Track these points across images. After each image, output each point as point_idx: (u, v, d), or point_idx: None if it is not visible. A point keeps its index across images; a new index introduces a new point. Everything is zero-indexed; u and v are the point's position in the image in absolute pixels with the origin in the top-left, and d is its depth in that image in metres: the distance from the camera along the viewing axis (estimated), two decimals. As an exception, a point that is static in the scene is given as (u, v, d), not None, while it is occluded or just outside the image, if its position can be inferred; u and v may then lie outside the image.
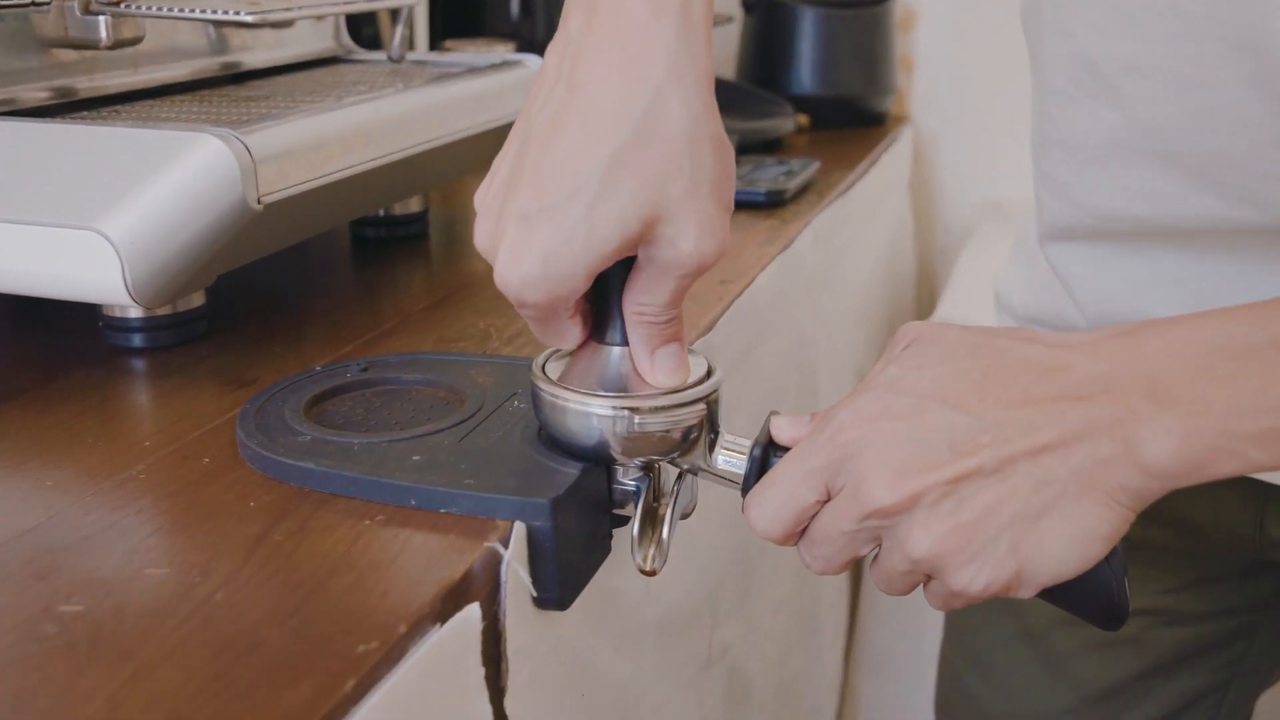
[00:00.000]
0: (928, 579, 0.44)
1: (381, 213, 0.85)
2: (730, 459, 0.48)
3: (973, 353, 0.43)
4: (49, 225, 0.53)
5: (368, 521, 0.44)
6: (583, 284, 0.42)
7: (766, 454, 0.47)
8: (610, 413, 0.45)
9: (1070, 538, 0.41)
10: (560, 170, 0.41)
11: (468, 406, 0.52)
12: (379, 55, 0.90)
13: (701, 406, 0.46)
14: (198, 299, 0.64)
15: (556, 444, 0.47)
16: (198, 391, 0.57)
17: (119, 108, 0.67)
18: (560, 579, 0.45)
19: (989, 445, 0.41)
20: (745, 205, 0.95)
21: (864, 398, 0.43)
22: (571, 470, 0.46)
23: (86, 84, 0.68)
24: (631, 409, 0.45)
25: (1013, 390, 0.41)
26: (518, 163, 0.42)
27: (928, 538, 0.41)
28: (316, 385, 0.54)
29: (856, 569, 1.23)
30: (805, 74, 1.37)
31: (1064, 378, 0.41)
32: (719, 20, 1.31)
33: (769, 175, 0.99)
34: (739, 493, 0.47)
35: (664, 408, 0.45)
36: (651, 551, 0.48)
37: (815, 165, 1.05)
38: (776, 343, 0.82)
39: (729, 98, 1.29)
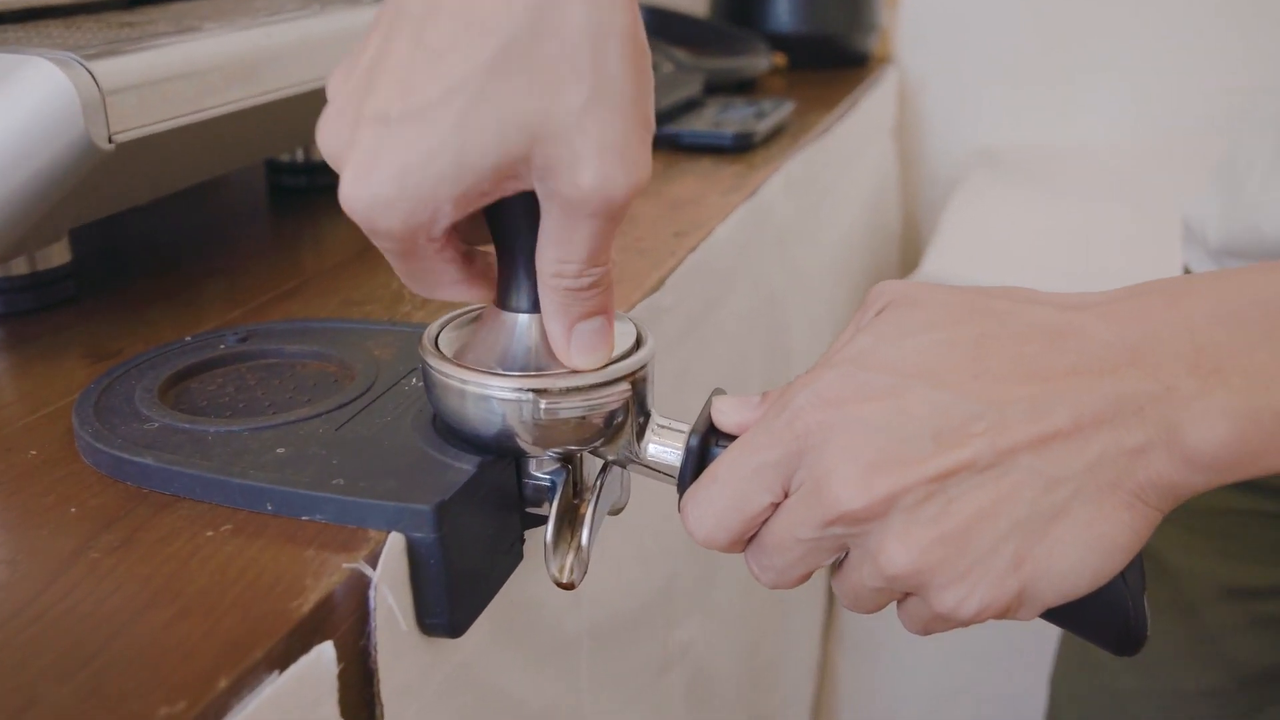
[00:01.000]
0: (905, 596, 0.36)
1: (302, 158, 0.76)
2: (663, 448, 0.39)
3: (964, 317, 0.34)
4: None
5: (211, 533, 0.36)
6: (449, 211, 0.33)
7: (706, 443, 0.38)
8: (514, 396, 0.37)
9: (1085, 549, 0.32)
10: (431, 66, 0.32)
11: (356, 385, 0.43)
12: (300, -18, 0.81)
13: (625, 387, 0.38)
14: (60, 255, 0.55)
15: (453, 433, 0.39)
16: (49, 366, 0.48)
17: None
18: (451, 600, 0.36)
19: (983, 434, 0.32)
20: (710, 149, 0.86)
21: (828, 375, 0.35)
22: (466, 466, 0.37)
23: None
24: (539, 390, 0.37)
25: (1014, 363, 0.33)
26: (383, 50, 0.33)
27: (906, 550, 0.33)
28: (181, 359, 0.46)
29: None
30: (783, 10, 1.27)
31: (1080, 346, 0.32)
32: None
33: (737, 117, 0.90)
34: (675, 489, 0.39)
35: (579, 388, 0.37)
36: (569, 560, 0.39)
37: (789, 106, 0.96)
38: (739, 302, 0.73)
39: (698, 34, 1.19)
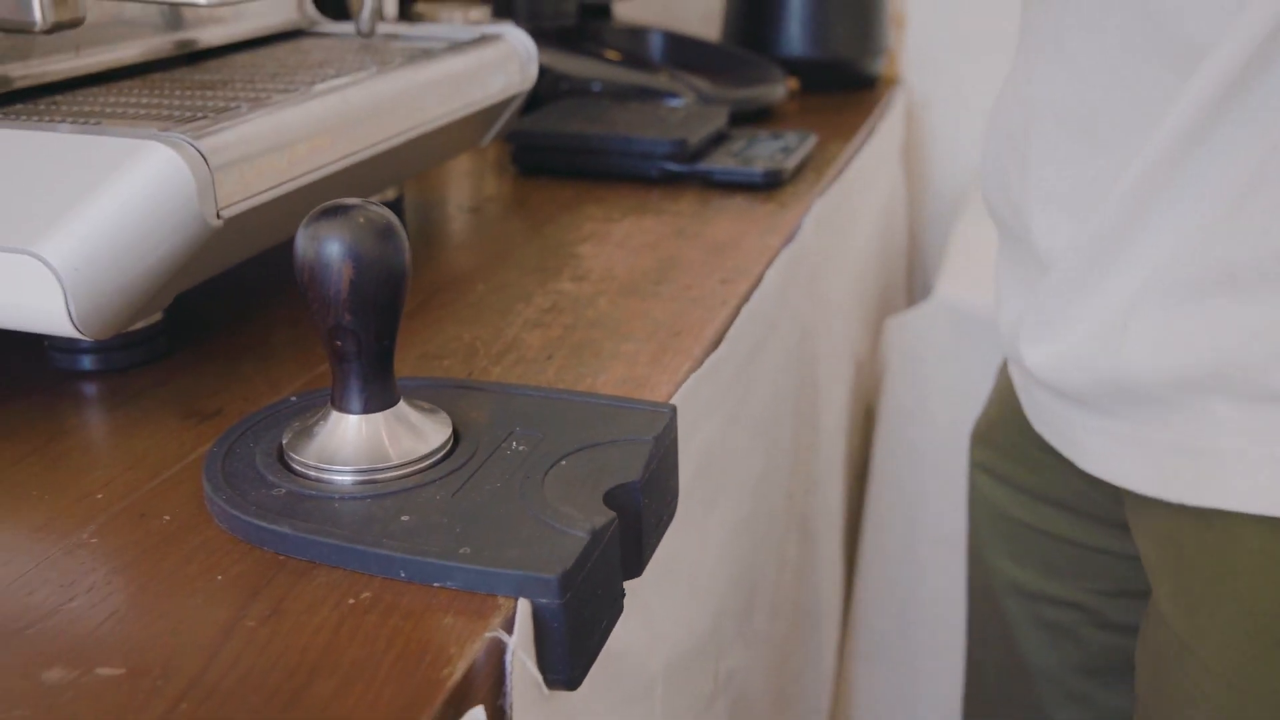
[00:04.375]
0: None
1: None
2: None
3: None
4: (-20, 248, 0.47)
5: (352, 600, 0.39)
6: None
7: None
8: None
9: None
10: None
11: (463, 449, 0.46)
12: (346, 27, 0.83)
13: None
14: (155, 315, 0.58)
15: None
16: (155, 427, 0.51)
17: (59, 99, 0.61)
18: (571, 657, 0.40)
19: None
20: (741, 186, 0.90)
21: None
22: (580, 533, 0.40)
23: (22, 71, 0.61)
24: None
25: None
26: None
27: None
28: (290, 421, 0.49)
29: (851, 553, 1.19)
30: (795, 35, 1.30)
31: None
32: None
33: (764, 152, 0.93)
34: None
35: None
36: None
37: (813, 139, 0.99)
38: (779, 342, 0.76)
39: (715, 61, 1.22)
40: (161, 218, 0.47)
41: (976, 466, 0.81)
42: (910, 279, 1.51)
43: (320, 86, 0.61)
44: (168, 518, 0.44)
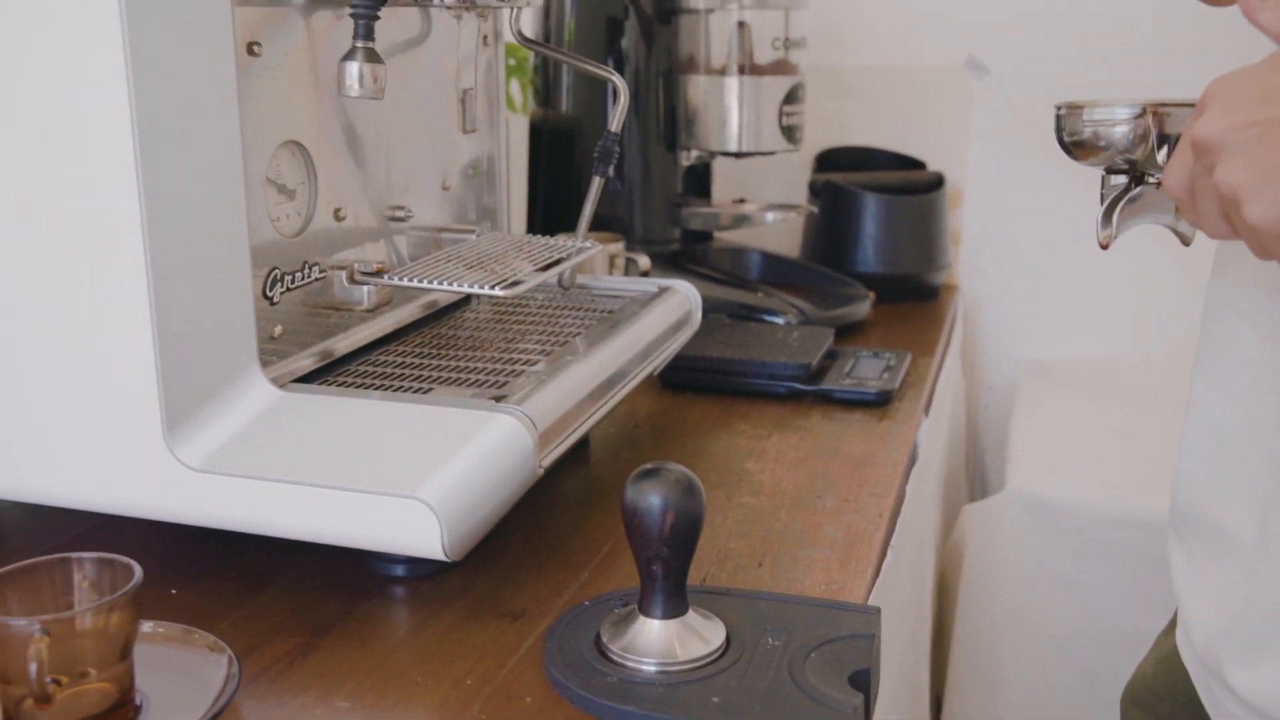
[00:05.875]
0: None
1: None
2: None
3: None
4: (376, 493, 0.63)
5: (696, 762, 0.54)
6: None
7: None
8: None
9: None
10: None
11: (734, 646, 0.62)
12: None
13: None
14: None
15: None
16: (482, 625, 0.67)
17: (375, 359, 0.78)
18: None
19: None
20: (857, 404, 1.07)
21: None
22: (849, 711, 0.56)
23: (344, 343, 0.79)
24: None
25: None
26: None
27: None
28: (594, 621, 0.64)
29: (941, 647, 1.32)
30: (869, 254, 1.50)
31: None
32: (788, 208, 1.44)
33: (873, 372, 1.11)
34: None
35: None
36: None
37: (908, 357, 1.17)
38: (913, 537, 0.93)
39: (806, 279, 1.42)
40: (509, 470, 0.64)
41: None
42: (969, 466, 1.68)
43: (577, 346, 0.79)
44: (529, 699, 0.59)
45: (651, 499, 0.59)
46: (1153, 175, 0.60)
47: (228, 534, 0.67)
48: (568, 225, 1.41)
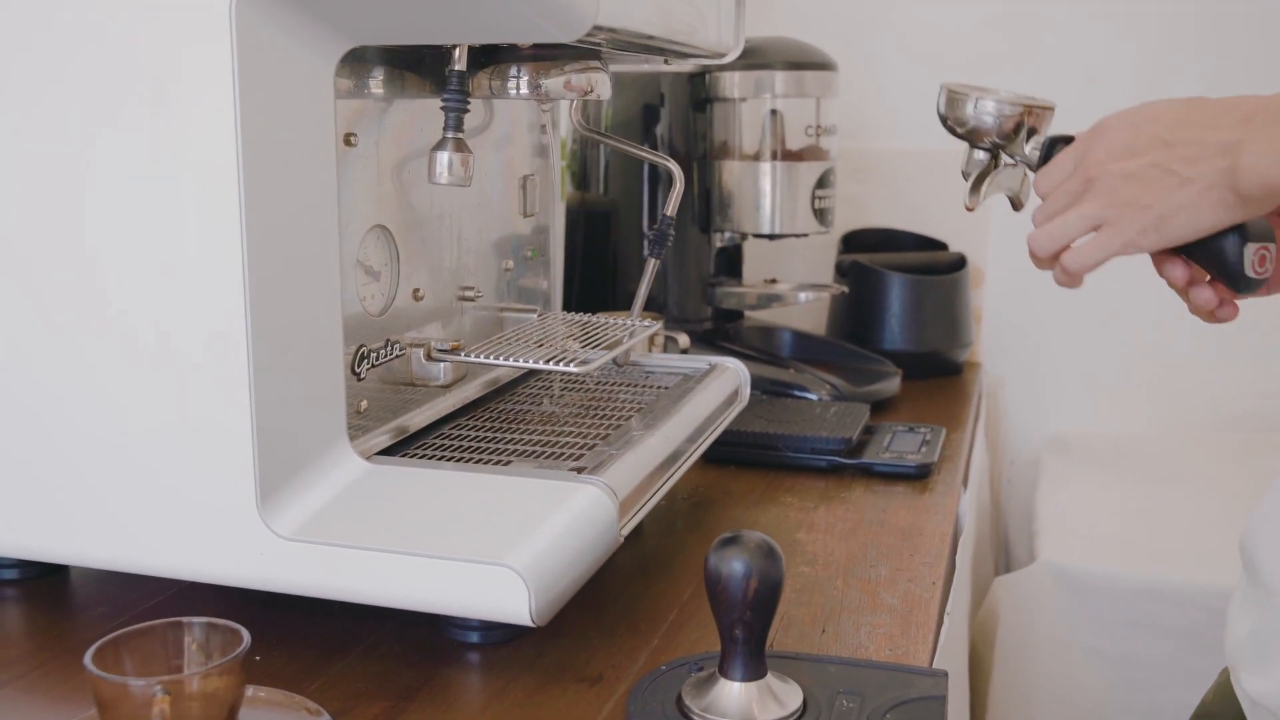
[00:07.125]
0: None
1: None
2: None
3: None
4: (465, 560, 0.66)
5: (788, 818, 0.56)
6: None
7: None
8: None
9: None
10: None
11: (810, 709, 0.64)
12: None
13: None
14: (530, 600, 0.76)
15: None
16: (562, 690, 0.69)
17: (449, 433, 0.82)
18: None
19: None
20: (898, 477, 1.10)
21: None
22: (932, 770, 0.58)
23: (419, 418, 0.82)
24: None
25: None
26: None
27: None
28: (673, 684, 0.67)
29: (976, 717, 1.33)
30: (896, 332, 1.54)
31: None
32: (821, 288, 1.48)
33: (911, 446, 1.14)
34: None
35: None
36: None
37: (943, 432, 1.20)
38: (961, 605, 0.95)
39: (837, 357, 1.45)
40: (593, 538, 0.67)
41: None
42: (994, 539, 1.70)
43: (643, 421, 0.82)
44: (619, 759, 0.62)
45: (734, 565, 0.62)
46: (1010, 156, 0.78)
47: (300, 602, 0.70)
48: (603, 304, 1.46)
